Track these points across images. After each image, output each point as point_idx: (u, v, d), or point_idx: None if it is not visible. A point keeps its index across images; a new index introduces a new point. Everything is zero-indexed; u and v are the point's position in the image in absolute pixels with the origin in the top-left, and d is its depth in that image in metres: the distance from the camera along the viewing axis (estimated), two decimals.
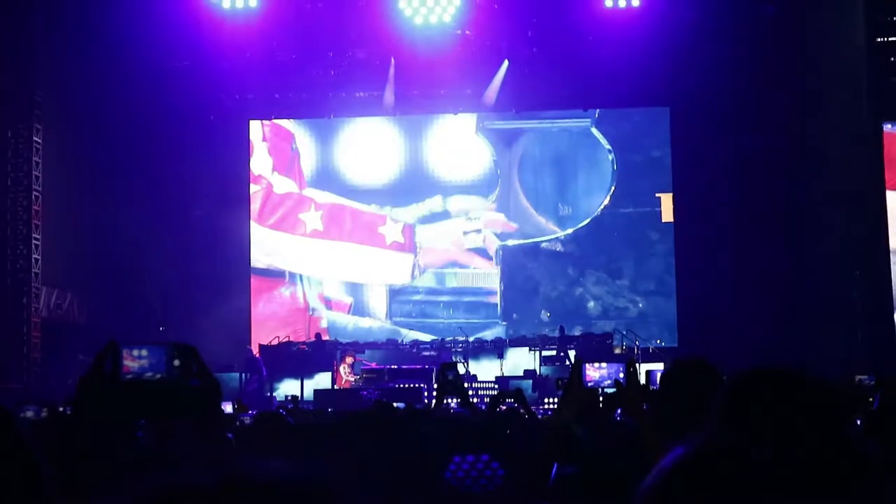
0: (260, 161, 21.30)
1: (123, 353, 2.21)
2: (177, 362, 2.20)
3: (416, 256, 20.92)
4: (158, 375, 2.20)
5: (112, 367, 2.18)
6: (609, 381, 3.45)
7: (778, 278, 18.34)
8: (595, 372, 3.43)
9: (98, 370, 2.19)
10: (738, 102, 18.71)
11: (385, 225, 21.02)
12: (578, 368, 3.43)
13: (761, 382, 2.32)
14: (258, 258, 21.14)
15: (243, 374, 17.74)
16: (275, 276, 21.20)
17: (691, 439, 1.59)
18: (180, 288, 19.85)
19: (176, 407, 2.17)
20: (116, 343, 2.25)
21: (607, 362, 3.46)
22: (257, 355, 18.50)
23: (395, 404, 8.38)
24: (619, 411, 5.33)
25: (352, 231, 21.04)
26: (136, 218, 19.08)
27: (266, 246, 21.16)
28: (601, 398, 3.70)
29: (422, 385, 16.45)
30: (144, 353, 2.22)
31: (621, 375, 3.44)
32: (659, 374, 4.06)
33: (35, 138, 18.43)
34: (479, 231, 20.84)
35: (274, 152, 21.40)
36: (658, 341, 19.24)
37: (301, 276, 21.20)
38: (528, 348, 18.55)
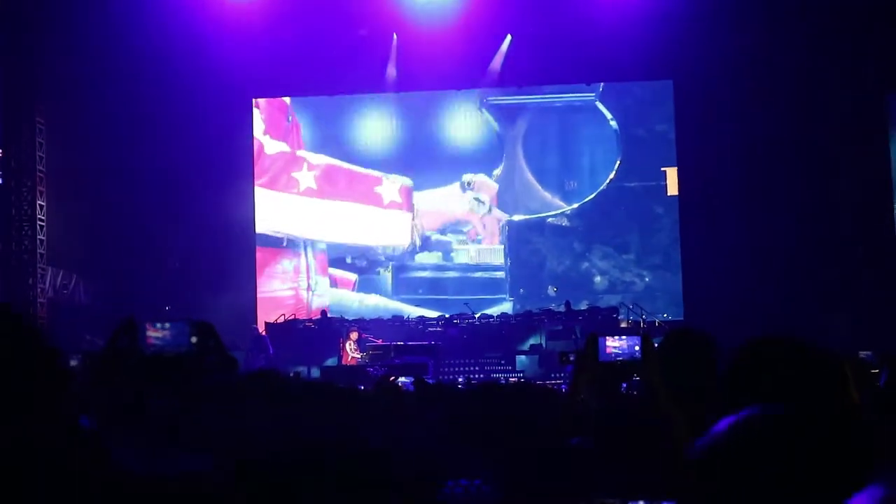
0: (255, 126, 21.19)
1: (141, 329, 2.20)
2: (194, 339, 2.19)
3: (414, 218, 20.88)
4: (177, 351, 2.18)
5: (128, 343, 2.17)
6: (621, 356, 3.46)
7: (783, 252, 18.31)
8: (615, 343, 3.44)
9: (114, 346, 2.18)
10: (741, 74, 18.62)
11: (382, 185, 20.96)
12: (594, 342, 3.44)
13: (767, 350, 2.36)
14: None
15: (249, 353, 17.76)
16: (274, 244, 21.07)
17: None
18: (185, 266, 19.86)
19: (192, 381, 2.16)
20: (134, 320, 2.24)
21: (624, 335, 3.47)
22: (263, 333, 18.52)
23: (401, 379, 8.40)
24: (623, 385, 5.33)
25: (347, 190, 20.94)
26: (138, 197, 19.10)
27: (260, 209, 20.98)
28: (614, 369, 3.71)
29: (427, 361, 16.47)
30: (162, 329, 2.20)
31: (637, 349, 3.45)
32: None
33: (38, 119, 18.40)
34: (482, 202, 20.83)
35: (268, 120, 21.31)
36: (664, 315, 19.25)
37: (305, 245, 21.09)
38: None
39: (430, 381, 8.05)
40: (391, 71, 20.07)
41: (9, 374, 1.45)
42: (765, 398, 2.07)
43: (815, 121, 17.94)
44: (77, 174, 18.56)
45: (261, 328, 18.94)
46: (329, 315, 19.65)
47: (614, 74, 19.87)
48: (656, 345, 4.06)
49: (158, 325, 2.18)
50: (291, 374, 15.84)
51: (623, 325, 18.37)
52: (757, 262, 18.41)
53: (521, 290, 20.68)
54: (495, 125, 20.93)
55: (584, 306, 19.48)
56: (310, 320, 19.51)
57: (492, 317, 19.52)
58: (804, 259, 18.09)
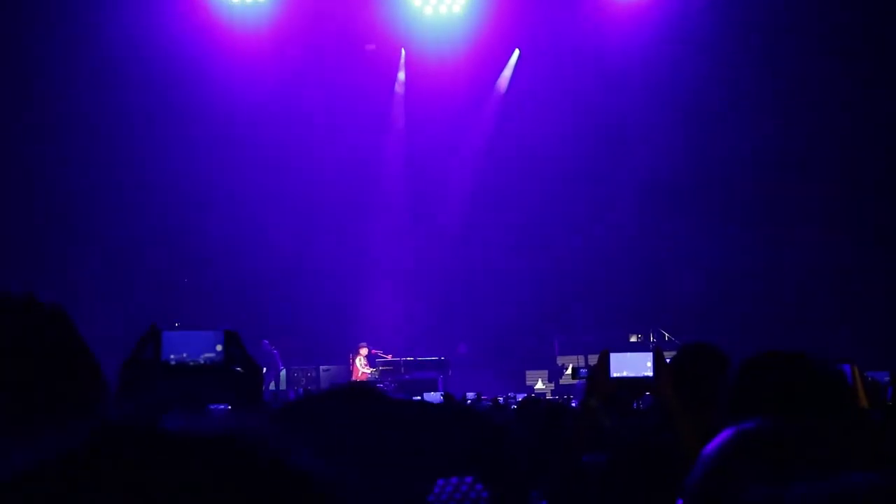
0: None
1: (165, 338, 2.22)
2: (219, 347, 2.20)
3: None
4: (201, 360, 2.20)
5: (153, 352, 2.19)
6: (633, 372, 3.46)
7: (792, 272, 18.33)
8: (627, 359, 3.43)
9: (139, 355, 2.19)
10: (743, 95, 18.68)
11: None
12: (605, 359, 3.43)
13: (770, 365, 2.36)
14: None
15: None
16: None
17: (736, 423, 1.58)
18: (192, 281, 19.89)
19: (218, 392, 2.17)
20: (158, 328, 2.25)
21: (636, 351, 3.47)
22: (273, 349, 18.52)
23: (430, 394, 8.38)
24: (636, 402, 5.32)
25: None
26: (148, 213, 19.17)
27: None
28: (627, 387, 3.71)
29: (437, 376, 16.47)
30: (187, 338, 2.22)
31: (648, 364, 3.45)
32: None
33: None
34: None
35: None
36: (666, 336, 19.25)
37: None
38: None
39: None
40: (399, 87, 20.12)
41: (54, 375, 1.46)
42: (771, 412, 2.09)
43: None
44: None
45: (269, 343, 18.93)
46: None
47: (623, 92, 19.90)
48: (669, 360, 4.07)
49: (178, 336, 2.19)
50: (303, 391, 15.85)
51: (633, 339, 18.32)
52: (760, 281, 18.43)
53: None
54: None
55: None
56: None
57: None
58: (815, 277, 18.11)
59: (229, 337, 2.24)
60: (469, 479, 1.29)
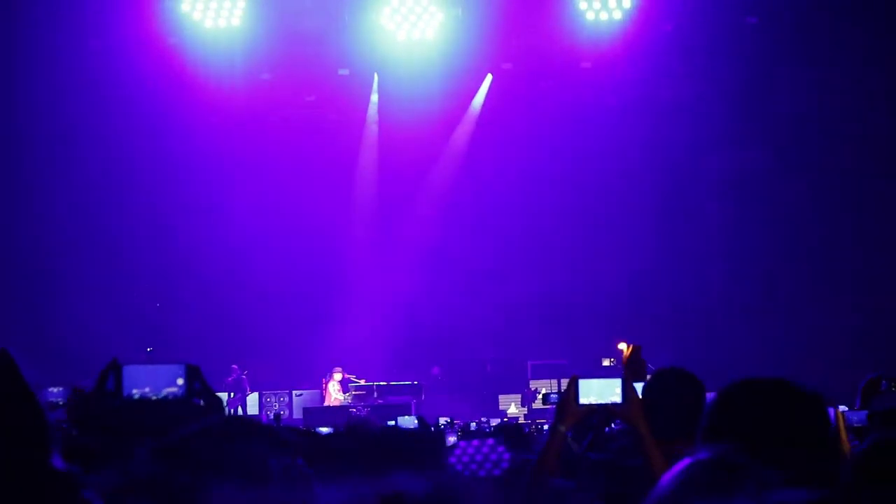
0: None
1: (126, 371, 2.20)
2: (180, 381, 2.20)
3: None
4: (162, 394, 2.19)
5: (115, 386, 2.18)
6: (601, 399, 3.45)
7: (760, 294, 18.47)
8: (595, 386, 3.43)
9: (101, 389, 2.18)
10: (725, 115, 18.85)
11: None
12: (574, 385, 3.43)
13: (750, 393, 2.35)
14: None
15: (229, 394, 17.65)
16: None
17: (696, 453, 1.59)
18: (168, 306, 19.78)
19: (179, 425, 2.16)
20: (118, 362, 2.24)
21: (605, 377, 3.46)
22: (244, 375, 18.41)
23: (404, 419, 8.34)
24: (611, 426, 5.33)
25: None
26: (120, 236, 19.07)
27: None
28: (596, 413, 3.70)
29: (410, 400, 16.44)
30: (148, 372, 2.21)
31: (617, 391, 3.44)
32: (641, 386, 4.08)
33: None
34: None
35: None
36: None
37: None
38: None
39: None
40: (372, 111, 20.16)
41: None
42: (750, 440, 2.08)
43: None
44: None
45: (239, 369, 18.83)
46: None
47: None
48: (644, 384, 4.07)
49: (139, 370, 2.18)
50: (273, 416, 15.77)
51: (606, 363, 18.32)
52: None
53: None
54: None
55: None
56: None
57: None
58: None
59: (191, 371, 2.23)
60: (491, 441, 1.30)
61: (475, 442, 1.27)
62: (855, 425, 5.59)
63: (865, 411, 5.61)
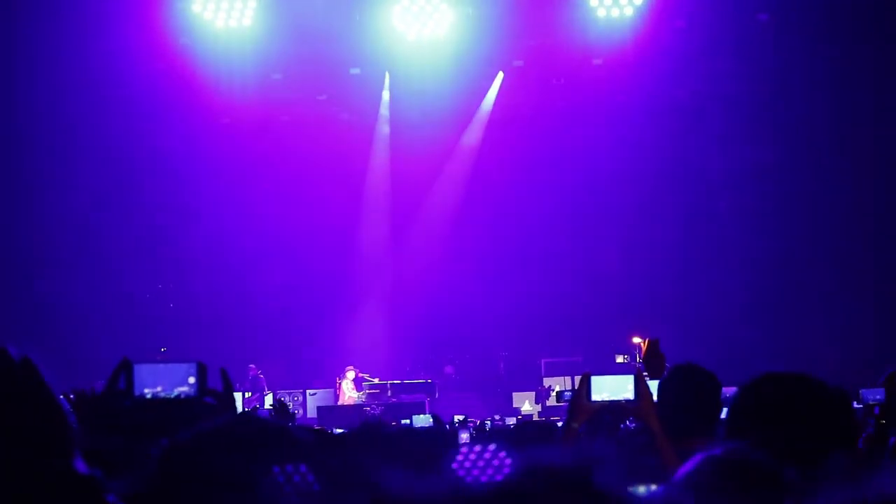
0: None
1: (137, 371, 2.20)
2: (192, 380, 2.19)
3: None
4: (174, 393, 2.19)
5: (126, 385, 2.18)
6: (613, 396, 3.44)
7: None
8: (607, 383, 3.42)
9: (112, 388, 2.18)
10: (737, 112, 18.78)
11: None
12: (586, 382, 3.43)
13: (771, 387, 2.34)
14: None
15: (244, 394, 17.67)
16: None
17: (711, 447, 1.58)
18: (182, 307, 19.82)
19: (191, 424, 2.16)
20: (129, 361, 2.24)
21: (618, 374, 3.46)
22: (260, 374, 18.44)
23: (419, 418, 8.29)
24: (627, 422, 5.30)
25: None
26: (133, 237, 19.11)
27: None
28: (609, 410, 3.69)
29: (423, 399, 16.44)
30: (159, 371, 2.21)
31: (629, 388, 3.43)
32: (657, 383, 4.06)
33: None
34: None
35: None
36: None
37: None
38: None
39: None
40: (384, 110, 20.14)
41: (22, 421, 1.46)
42: (772, 435, 2.07)
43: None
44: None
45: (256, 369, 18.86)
46: None
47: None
48: (660, 382, 4.05)
49: (150, 369, 2.18)
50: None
51: (620, 360, 18.30)
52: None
53: None
54: None
55: None
56: None
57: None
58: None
59: (201, 369, 2.23)
60: (492, 447, 1.29)
61: (477, 447, 1.26)
62: (870, 403, 5.63)
63: (882, 389, 5.65)
